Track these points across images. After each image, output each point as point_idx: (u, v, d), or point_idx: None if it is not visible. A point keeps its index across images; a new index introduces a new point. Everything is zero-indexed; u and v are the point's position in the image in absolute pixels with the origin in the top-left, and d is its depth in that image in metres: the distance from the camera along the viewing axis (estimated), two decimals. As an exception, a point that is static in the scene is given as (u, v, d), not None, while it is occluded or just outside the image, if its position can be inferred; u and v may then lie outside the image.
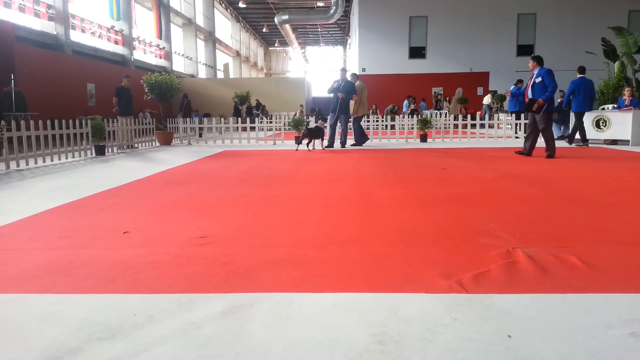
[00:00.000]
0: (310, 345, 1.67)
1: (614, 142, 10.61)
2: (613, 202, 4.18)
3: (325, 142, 10.58)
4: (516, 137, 12.73)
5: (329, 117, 10.73)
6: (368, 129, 13.25)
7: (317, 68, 59.38)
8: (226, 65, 33.67)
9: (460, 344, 1.66)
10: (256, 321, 1.86)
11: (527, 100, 8.05)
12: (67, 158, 8.64)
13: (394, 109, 20.92)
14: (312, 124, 11.47)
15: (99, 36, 20.92)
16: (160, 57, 27.02)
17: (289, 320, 1.86)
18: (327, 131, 10.62)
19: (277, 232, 3.23)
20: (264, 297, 2.09)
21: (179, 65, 30.16)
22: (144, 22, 25.88)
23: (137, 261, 2.61)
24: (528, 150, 8.18)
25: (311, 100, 31.16)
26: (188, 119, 13.74)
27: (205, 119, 13.57)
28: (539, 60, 7.95)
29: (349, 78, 11.07)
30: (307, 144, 10.14)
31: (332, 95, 10.60)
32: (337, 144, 10.88)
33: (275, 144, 12.24)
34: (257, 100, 23.52)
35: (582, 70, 10.60)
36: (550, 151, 7.86)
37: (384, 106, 22.20)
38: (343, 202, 4.26)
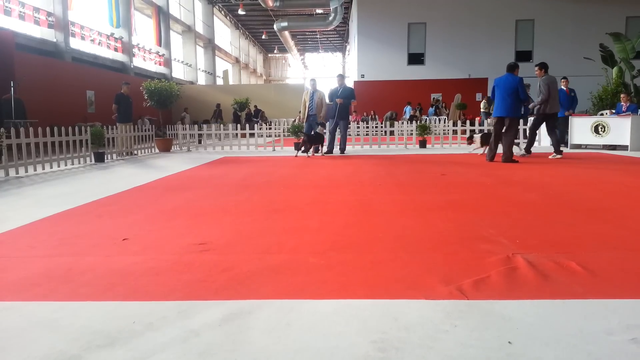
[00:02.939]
0: (310, 353, 1.66)
1: (613, 147, 10.64)
2: (613, 207, 4.18)
3: (325, 149, 10.60)
4: (516, 144, 12.73)
5: (327, 123, 10.74)
6: (367, 135, 13.26)
7: (317, 74, 59.58)
8: (226, 72, 33.78)
9: (460, 350, 1.66)
10: (256, 328, 1.86)
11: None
12: (66, 165, 8.64)
13: (392, 115, 20.97)
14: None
15: (99, 43, 20.99)
16: (160, 64, 27.10)
17: (288, 327, 1.86)
18: (327, 137, 10.64)
19: (277, 239, 3.23)
20: (263, 304, 2.09)
21: (179, 72, 30.25)
22: (144, 29, 25.98)
23: (136, 268, 2.60)
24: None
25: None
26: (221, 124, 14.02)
27: (204, 126, 13.60)
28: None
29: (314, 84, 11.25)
30: (307, 150, 10.15)
31: (331, 102, 10.65)
32: (336, 149, 10.90)
33: (274, 150, 12.25)
34: (255, 106, 23.39)
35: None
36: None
37: (383, 112, 22.26)
38: (342, 208, 4.26)
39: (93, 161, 9.41)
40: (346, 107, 10.57)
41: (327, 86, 11.45)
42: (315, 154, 10.30)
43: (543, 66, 8.81)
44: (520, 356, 1.61)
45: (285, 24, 29.11)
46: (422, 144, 12.33)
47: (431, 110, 22.23)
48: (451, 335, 1.77)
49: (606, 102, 13.09)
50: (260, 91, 27.79)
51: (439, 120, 19.11)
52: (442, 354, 1.63)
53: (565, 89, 11.44)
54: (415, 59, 26.38)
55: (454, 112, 20.52)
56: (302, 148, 10.13)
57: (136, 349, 1.70)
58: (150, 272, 2.54)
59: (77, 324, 1.91)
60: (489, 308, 2.01)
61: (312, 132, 10.23)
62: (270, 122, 16.90)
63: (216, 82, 34.40)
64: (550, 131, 9.24)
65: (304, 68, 61.09)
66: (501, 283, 2.29)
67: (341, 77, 10.94)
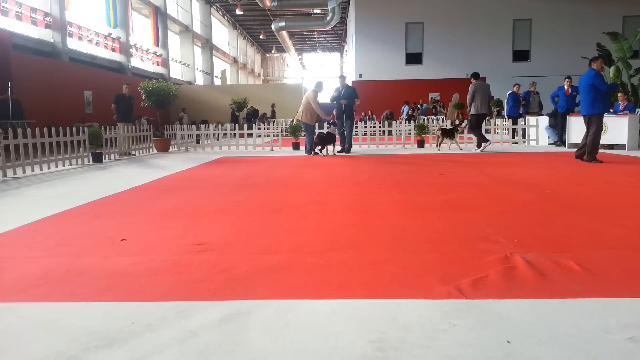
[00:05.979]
0: (309, 353, 1.66)
1: (611, 146, 10.65)
2: (610, 206, 4.19)
3: (338, 147, 10.72)
4: (514, 143, 12.77)
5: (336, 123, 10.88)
6: (365, 134, 13.26)
7: (314, 74, 59.49)
8: (223, 72, 33.74)
9: (459, 349, 1.66)
10: (254, 329, 1.85)
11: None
12: (64, 165, 8.61)
13: (388, 115, 20.98)
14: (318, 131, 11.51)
15: (96, 44, 20.95)
16: (158, 64, 27.06)
17: (287, 328, 1.86)
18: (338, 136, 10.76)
19: (275, 239, 3.23)
20: (262, 304, 2.09)
21: (176, 72, 30.21)
22: (141, 29, 25.94)
23: (134, 269, 2.60)
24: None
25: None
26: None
27: (202, 126, 13.61)
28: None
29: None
30: (316, 150, 10.29)
31: (335, 102, 10.74)
32: (336, 149, 10.93)
33: (272, 150, 12.25)
34: (251, 107, 23.00)
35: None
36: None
37: (381, 112, 22.27)
38: (341, 208, 4.26)
39: (91, 162, 9.39)
40: (350, 107, 10.73)
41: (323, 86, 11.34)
42: (328, 154, 10.37)
43: (473, 76, 10.56)
44: (518, 355, 1.62)
45: (283, 23, 29.06)
46: (420, 144, 12.35)
47: (425, 105, 22.34)
48: (450, 335, 1.77)
49: (604, 101, 13.09)
50: (258, 91, 27.78)
51: (437, 119, 19.13)
52: (440, 354, 1.63)
53: (566, 88, 11.55)
54: (413, 58, 26.39)
55: (451, 112, 20.53)
56: (317, 148, 10.32)
57: (135, 349, 1.70)
58: (149, 272, 2.54)
59: (75, 325, 1.90)
60: (487, 307, 2.01)
61: (325, 133, 10.37)
62: (269, 122, 16.87)
63: (214, 82, 34.36)
64: (477, 128, 10.86)
65: (302, 68, 61.06)
66: (499, 282, 2.30)
67: (342, 78, 11.28)
